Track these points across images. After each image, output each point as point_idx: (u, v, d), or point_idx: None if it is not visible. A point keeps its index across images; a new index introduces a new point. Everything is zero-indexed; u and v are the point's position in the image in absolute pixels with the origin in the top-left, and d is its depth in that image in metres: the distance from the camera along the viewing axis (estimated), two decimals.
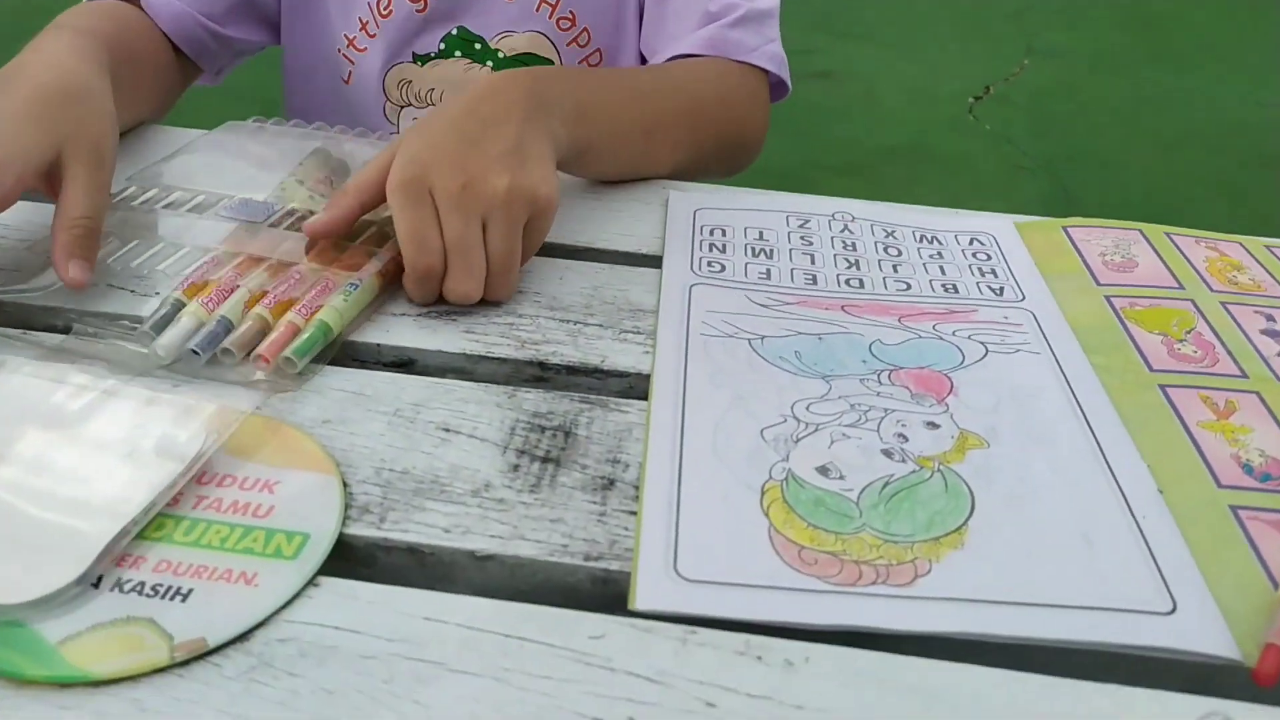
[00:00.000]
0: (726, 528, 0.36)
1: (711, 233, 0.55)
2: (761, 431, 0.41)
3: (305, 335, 0.44)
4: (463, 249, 0.46)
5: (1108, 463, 0.40)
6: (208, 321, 0.44)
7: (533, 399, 0.43)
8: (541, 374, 0.45)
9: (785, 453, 0.40)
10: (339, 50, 0.71)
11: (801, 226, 0.56)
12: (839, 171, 2.19)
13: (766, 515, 0.37)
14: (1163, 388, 0.44)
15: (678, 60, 0.65)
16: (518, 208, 0.46)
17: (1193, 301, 0.50)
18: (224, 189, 0.54)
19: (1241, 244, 0.56)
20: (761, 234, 0.55)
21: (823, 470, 0.39)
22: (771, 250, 0.54)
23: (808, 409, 0.42)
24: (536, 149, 0.48)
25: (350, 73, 0.71)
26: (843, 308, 0.49)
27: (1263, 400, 0.44)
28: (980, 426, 0.42)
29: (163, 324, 0.44)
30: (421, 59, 0.70)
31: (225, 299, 0.45)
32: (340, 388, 0.42)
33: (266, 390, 0.42)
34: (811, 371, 0.45)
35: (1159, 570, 0.35)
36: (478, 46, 0.69)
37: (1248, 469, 0.40)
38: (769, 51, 0.66)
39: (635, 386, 0.45)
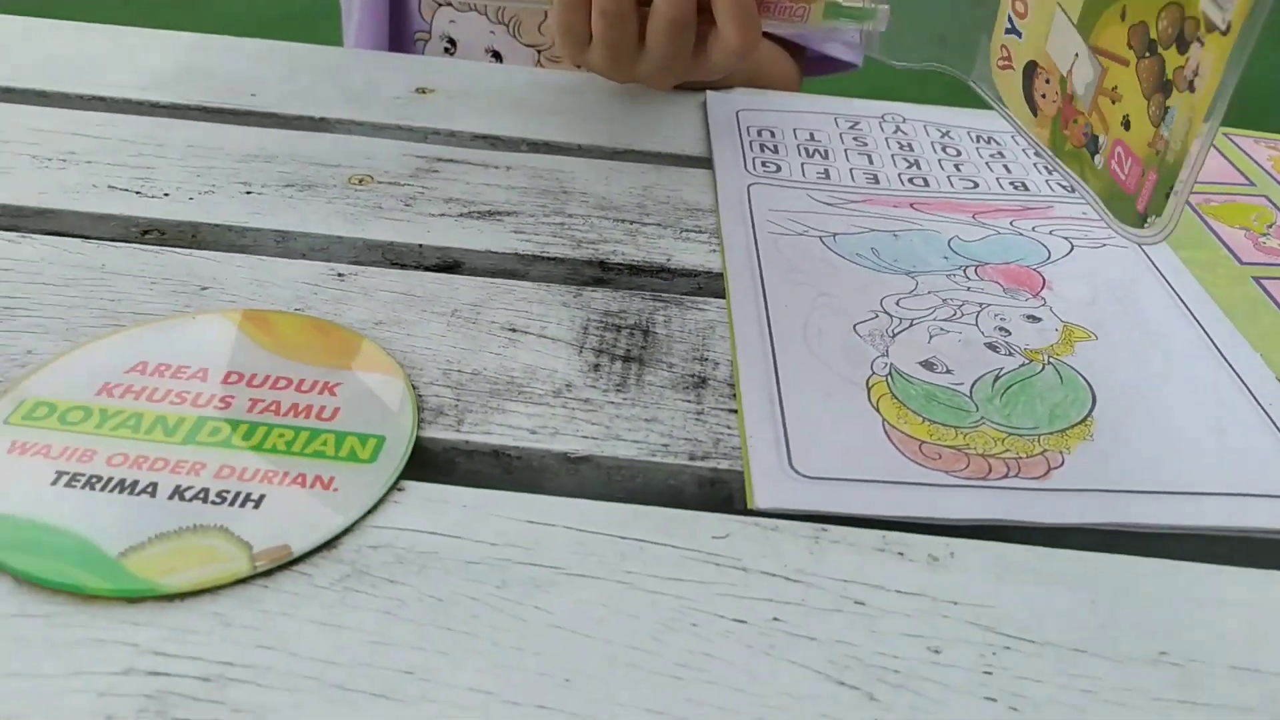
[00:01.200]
0: (837, 424, 0.33)
1: (759, 134, 0.52)
2: (854, 327, 0.38)
3: None
4: None
5: (1222, 353, 0.38)
6: None
7: (601, 298, 0.39)
8: (603, 275, 0.42)
9: (884, 348, 0.37)
10: None
11: (852, 128, 0.53)
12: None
13: (877, 410, 0.34)
14: (1257, 280, 0.42)
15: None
16: None
17: (1267, 197, 0.48)
18: None
19: None
20: (813, 135, 0.52)
21: (927, 365, 0.36)
22: (826, 150, 0.51)
23: (898, 304, 0.39)
24: None
25: None
26: (911, 205, 0.46)
27: None
28: (1084, 320, 0.39)
29: None
30: None
31: None
32: (386, 289, 0.38)
33: None
34: (892, 268, 0.42)
35: None
36: None
37: None
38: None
39: (706, 285, 0.41)
